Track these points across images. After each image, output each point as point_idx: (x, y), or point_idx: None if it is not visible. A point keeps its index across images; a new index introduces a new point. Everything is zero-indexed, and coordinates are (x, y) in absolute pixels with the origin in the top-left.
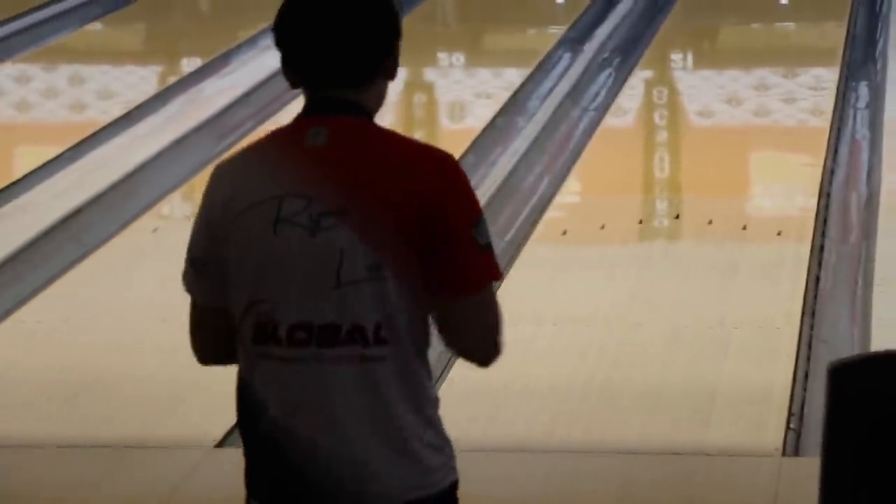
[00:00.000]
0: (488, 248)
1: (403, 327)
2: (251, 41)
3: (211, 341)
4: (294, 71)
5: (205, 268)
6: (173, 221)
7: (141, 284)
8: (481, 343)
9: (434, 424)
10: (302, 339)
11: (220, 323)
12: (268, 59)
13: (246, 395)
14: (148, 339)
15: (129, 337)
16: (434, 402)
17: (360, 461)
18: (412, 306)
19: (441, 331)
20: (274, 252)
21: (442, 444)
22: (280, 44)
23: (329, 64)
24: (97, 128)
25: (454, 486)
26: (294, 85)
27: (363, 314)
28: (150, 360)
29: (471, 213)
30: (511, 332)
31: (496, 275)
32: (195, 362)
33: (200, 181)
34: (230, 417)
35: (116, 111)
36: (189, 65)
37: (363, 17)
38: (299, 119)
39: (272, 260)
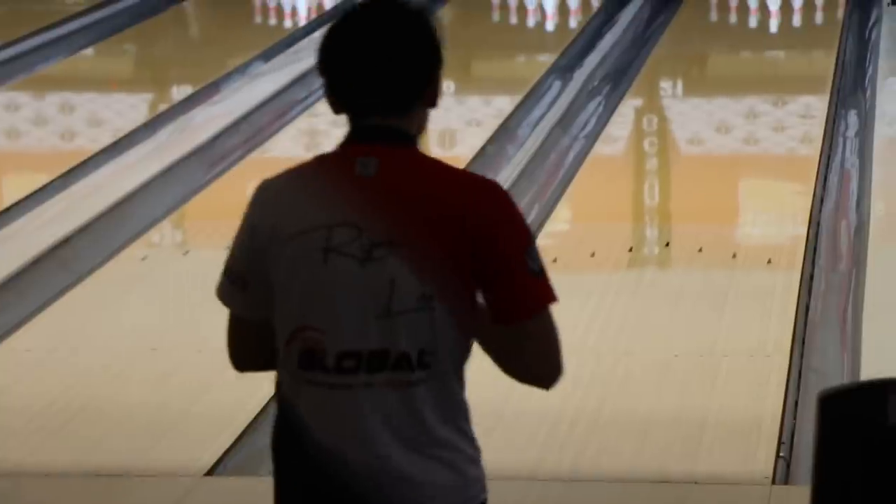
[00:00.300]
0: (542, 272)
1: (446, 352)
2: (241, 69)
3: (251, 350)
4: (338, 99)
5: (246, 285)
6: (163, 249)
7: (130, 312)
8: (542, 367)
9: (471, 438)
10: (350, 367)
11: (262, 333)
12: (258, 88)
13: (288, 418)
14: (137, 366)
15: (118, 365)
16: (468, 415)
17: (408, 479)
18: (457, 333)
19: (500, 356)
20: (323, 281)
21: (478, 457)
22: (324, 72)
23: (375, 92)
24: (86, 156)
25: (485, 502)
26: (337, 111)
27: (409, 342)
28: (139, 388)
29: (522, 239)
30: None
31: (552, 298)
32: (184, 390)
33: (190, 209)
34: (220, 445)
35: (106, 139)
36: (179, 93)
37: (408, 45)
38: (346, 146)
39: (321, 289)
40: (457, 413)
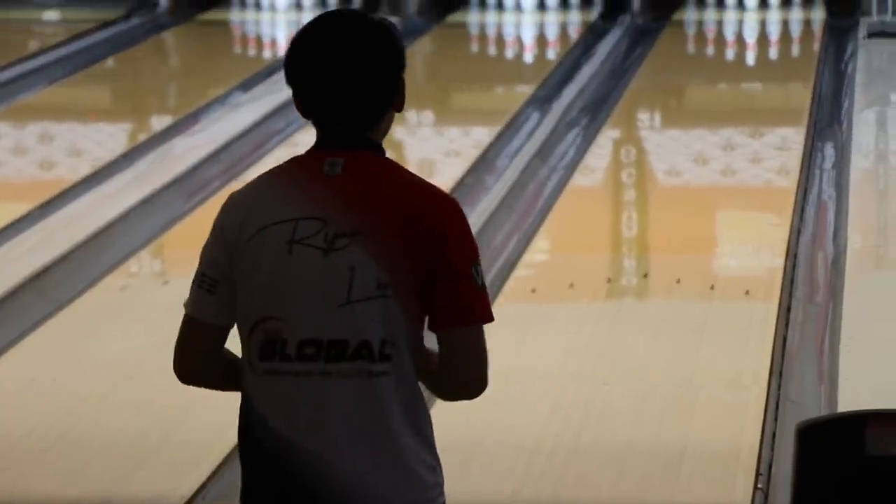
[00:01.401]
0: (484, 289)
1: (405, 345)
2: (221, 99)
3: (201, 359)
4: (306, 108)
5: (215, 287)
6: (142, 279)
7: (109, 342)
8: (470, 375)
9: (430, 444)
10: (311, 355)
11: (215, 342)
12: (237, 118)
13: (249, 412)
14: (116, 395)
15: (97, 394)
16: (429, 421)
17: (361, 475)
18: (412, 327)
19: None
20: (287, 271)
21: (435, 465)
22: (291, 82)
23: (342, 105)
24: (66, 185)
25: None
26: (305, 116)
27: (370, 331)
28: (118, 417)
29: (471, 253)
30: None
31: (489, 315)
32: (164, 418)
33: (169, 239)
34: (199, 474)
35: (85, 169)
36: (158, 123)
37: (373, 58)
38: (315, 151)
39: (284, 278)
40: (418, 417)
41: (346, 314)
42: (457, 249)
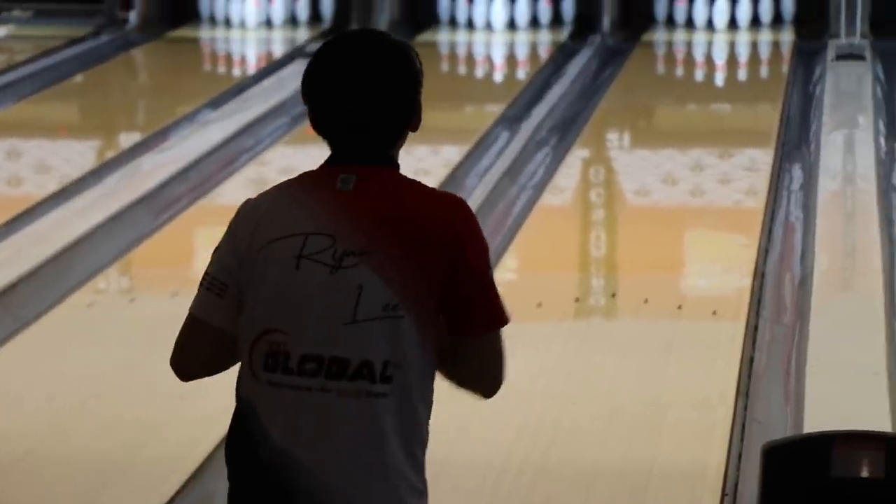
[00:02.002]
0: (497, 290)
1: (410, 367)
2: (189, 117)
3: (202, 360)
4: (321, 125)
5: (224, 291)
6: (109, 296)
7: (76, 359)
8: (495, 377)
9: (420, 468)
10: (312, 370)
11: (220, 346)
12: (206, 136)
13: (247, 420)
14: (83, 413)
15: (63, 411)
16: (424, 445)
17: (353, 492)
18: (422, 348)
19: (455, 367)
20: (294, 285)
21: (423, 490)
22: (308, 98)
23: (360, 124)
24: (33, 202)
25: None
26: (318, 132)
27: (374, 351)
28: (85, 435)
29: (486, 255)
30: (448, 409)
31: (507, 318)
32: (131, 436)
33: (137, 256)
34: (167, 490)
35: (53, 186)
36: (127, 140)
37: (392, 78)
38: (328, 165)
39: (291, 292)
40: (414, 438)
41: (350, 333)
42: (473, 255)
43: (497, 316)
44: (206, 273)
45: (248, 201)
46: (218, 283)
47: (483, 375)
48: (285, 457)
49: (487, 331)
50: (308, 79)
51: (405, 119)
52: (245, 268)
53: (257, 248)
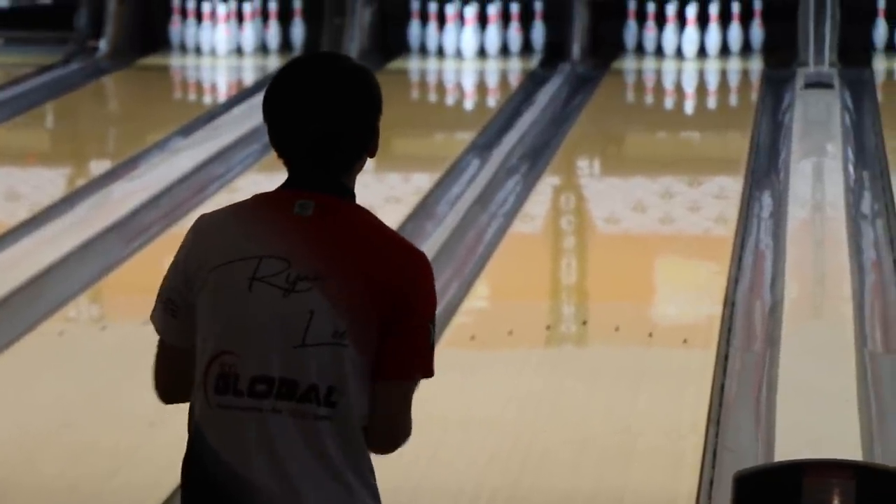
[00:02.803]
0: (433, 347)
1: (353, 395)
2: (160, 145)
3: (179, 380)
4: (280, 147)
5: (177, 311)
6: (80, 325)
7: (46, 388)
8: (399, 428)
9: (375, 494)
10: (262, 392)
11: (185, 362)
12: (177, 163)
13: (200, 444)
14: (52, 442)
15: (32, 440)
16: (372, 471)
17: None
18: (363, 378)
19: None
20: (246, 307)
21: None
22: (267, 120)
23: (316, 147)
24: (3, 230)
25: None
26: (278, 155)
27: (320, 375)
28: (55, 464)
29: (431, 310)
30: (419, 437)
31: (431, 372)
32: (100, 465)
33: (107, 284)
34: None
35: (23, 213)
36: (97, 167)
37: (349, 102)
38: (285, 189)
39: (243, 315)
40: (362, 465)
41: (298, 356)
42: (419, 305)
43: (419, 366)
44: (161, 289)
45: (202, 218)
46: (171, 303)
47: (389, 424)
48: (237, 479)
49: (404, 377)
50: (268, 98)
51: (363, 142)
52: (197, 289)
53: (209, 268)
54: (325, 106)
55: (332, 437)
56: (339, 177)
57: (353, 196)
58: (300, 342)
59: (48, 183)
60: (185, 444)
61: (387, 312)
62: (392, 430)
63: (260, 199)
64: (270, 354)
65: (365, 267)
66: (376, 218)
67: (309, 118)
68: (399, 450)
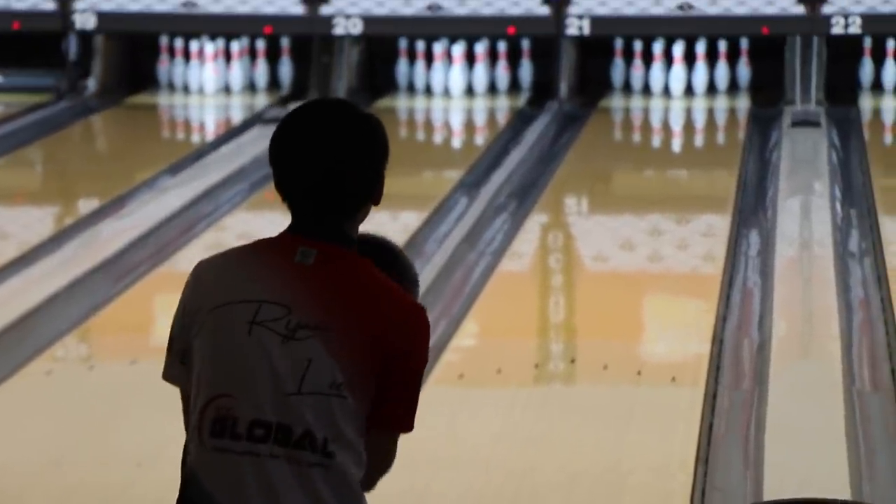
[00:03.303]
0: (417, 399)
1: (349, 444)
2: (148, 183)
3: None
4: (284, 193)
5: (185, 357)
6: (68, 364)
7: (35, 427)
8: (383, 470)
9: None
10: (261, 436)
11: None
12: (165, 202)
13: (194, 487)
14: (42, 481)
15: (22, 480)
16: None
17: None
18: (359, 428)
19: None
20: (244, 351)
21: None
22: (272, 165)
23: (320, 195)
24: None
25: None
26: (282, 199)
27: (315, 424)
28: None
29: (423, 364)
30: (408, 476)
31: (412, 427)
32: None
33: (96, 324)
34: None
35: (11, 252)
36: (86, 206)
37: (354, 151)
38: (288, 235)
39: (241, 358)
40: None
41: (294, 403)
42: (413, 362)
43: (403, 421)
44: (168, 342)
45: (202, 263)
46: (180, 352)
47: (374, 468)
48: None
49: (388, 430)
50: (275, 142)
51: (367, 189)
52: (195, 330)
53: (208, 309)
54: (330, 151)
55: (326, 484)
56: (341, 224)
57: (355, 245)
58: (296, 390)
59: (36, 222)
60: (174, 483)
61: (383, 365)
62: (376, 472)
63: (262, 244)
64: (267, 399)
65: (365, 320)
66: (377, 270)
67: (312, 162)
68: (390, 488)
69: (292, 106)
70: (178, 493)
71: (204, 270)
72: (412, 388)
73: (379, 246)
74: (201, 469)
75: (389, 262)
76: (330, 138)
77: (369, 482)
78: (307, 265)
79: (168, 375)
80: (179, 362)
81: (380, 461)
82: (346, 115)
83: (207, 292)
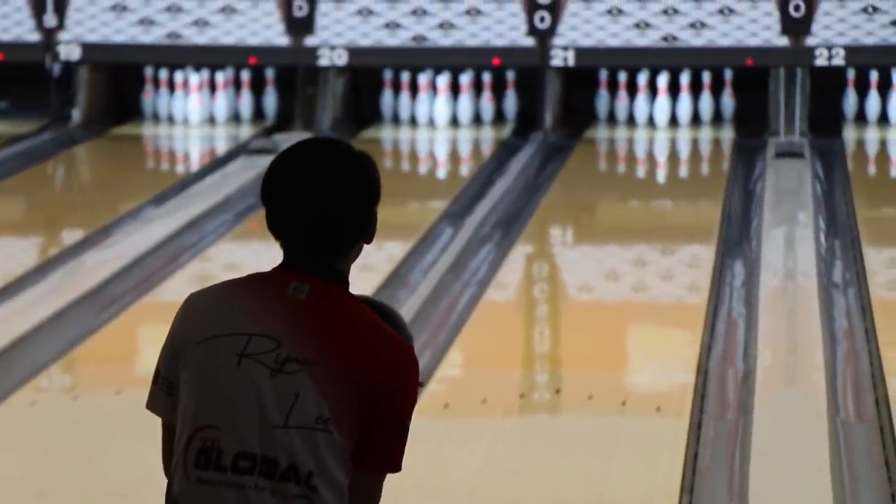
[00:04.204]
0: (406, 438)
1: (332, 480)
2: (133, 214)
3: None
4: (277, 231)
5: (172, 389)
6: (52, 394)
7: (18, 458)
8: None
9: None
10: (246, 468)
11: None
12: (150, 232)
13: None
14: None
15: None
16: None
17: None
18: (343, 463)
19: None
20: (232, 383)
21: None
22: (265, 203)
23: (312, 233)
24: None
25: None
26: (275, 237)
27: (301, 457)
28: None
29: (412, 405)
30: None
31: (399, 467)
32: None
33: (80, 354)
34: None
35: None
36: (70, 237)
37: (346, 190)
38: (281, 270)
39: (228, 390)
40: None
41: (280, 436)
42: (401, 401)
43: (391, 461)
44: (155, 372)
45: (192, 295)
46: (165, 381)
47: None
48: None
49: (375, 470)
50: (268, 182)
51: (359, 228)
52: (181, 361)
53: (197, 340)
54: (323, 192)
55: None
56: (334, 262)
57: (347, 284)
58: (283, 423)
59: (20, 252)
60: None
61: (369, 404)
62: None
63: (254, 278)
64: (253, 432)
65: (353, 357)
66: (367, 310)
67: (306, 203)
68: None
69: (277, 137)
70: None
71: (194, 303)
72: (399, 428)
73: (373, 306)
74: (185, 500)
75: (384, 319)
76: (323, 179)
77: None
78: (299, 300)
79: (152, 406)
80: (166, 393)
81: (364, 501)
82: (338, 156)
83: (197, 324)
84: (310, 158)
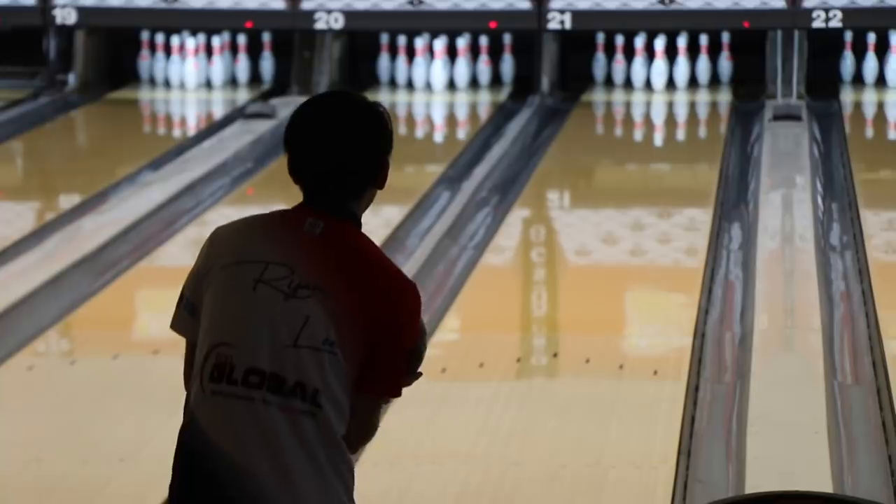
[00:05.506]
0: (407, 374)
1: (335, 399)
2: (130, 178)
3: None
4: (296, 172)
5: (195, 310)
6: (49, 359)
7: (16, 422)
8: (367, 434)
9: (349, 493)
10: (255, 383)
11: None
12: (147, 197)
13: (192, 428)
14: (23, 476)
15: (3, 475)
16: (352, 473)
17: (289, 499)
18: (345, 386)
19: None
20: (247, 305)
21: None
22: (287, 147)
23: (329, 176)
24: None
25: None
26: (295, 182)
27: (307, 375)
28: (24, 499)
29: (413, 340)
30: (390, 471)
31: (399, 394)
32: (71, 500)
33: (77, 318)
34: None
35: None
36: (67, 202)
37: (361, 138)
38: (300, 208)
39: (243, 311)
40: (342, 463)
41: (289, 354)
42: (402, 332)
43: (392, 387)
44: (180, 294)
45: (218, 228)
46: (189, 303)
47: (358, 430)
48: (227, 462)
49: (374, 393)
50: (290, 126)
51: (372, 173)
52: (205, 284)
53: (220, 266)
54: (338, 137)
55: (314, 434)
56: (349, 202)
57: (359, 223)
58: (293, 342)
59: (17, 217)
60: (156, 478)
61: (373, 332)
62: (361, 435)
63: (275, 214)
64: (264, 349)
65: (360, 288)
66: (377, 247)
67: (325, 148)
68: (372, 483)
69: (274, 101)
70: (180, 431)
71: (220, 233)
72: (400, 356)
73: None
74: (199, 411)
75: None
76: (340, 128)
77: (350, 448)
78: (314, 235)
79: (175, 326)
80: (189, 314)
81: (362, 425)
82: (355, 107)
83: (221, 251)
84: (329, 108)
